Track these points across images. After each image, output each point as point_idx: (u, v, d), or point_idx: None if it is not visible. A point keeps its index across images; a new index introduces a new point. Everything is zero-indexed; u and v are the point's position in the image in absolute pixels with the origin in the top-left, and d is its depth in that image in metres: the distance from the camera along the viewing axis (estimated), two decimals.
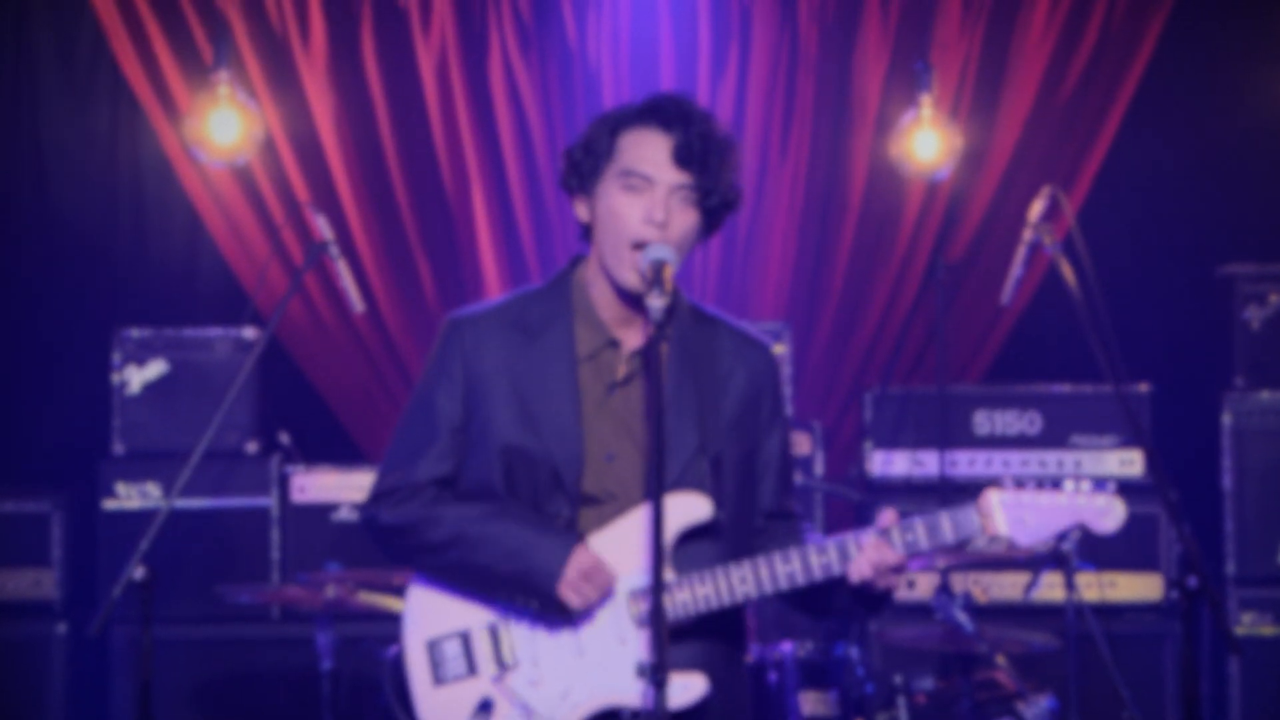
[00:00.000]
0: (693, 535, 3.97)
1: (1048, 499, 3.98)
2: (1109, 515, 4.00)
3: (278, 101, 8.12)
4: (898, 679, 6.69)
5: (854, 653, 6.70)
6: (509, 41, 8.21)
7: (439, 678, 4.08)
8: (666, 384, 3.86)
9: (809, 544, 3.95)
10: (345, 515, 7.48)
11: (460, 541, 4.01)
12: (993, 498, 3.97)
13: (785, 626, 6.94)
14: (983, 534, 3.93)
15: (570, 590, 3.95)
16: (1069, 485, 3.98)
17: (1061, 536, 4.31)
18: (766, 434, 4.12)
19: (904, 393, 7.76)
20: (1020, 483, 3.98)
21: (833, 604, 4.04)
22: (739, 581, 3.95)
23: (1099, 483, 4.01)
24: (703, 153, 3.96)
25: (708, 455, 4.00)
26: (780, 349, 7.67)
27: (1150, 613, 7.50)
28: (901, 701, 6.63)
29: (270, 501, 7.49)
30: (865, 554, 3.91)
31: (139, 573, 5.76)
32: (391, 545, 4.13)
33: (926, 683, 6.70)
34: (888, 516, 3.94)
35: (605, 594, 3.97)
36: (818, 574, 3.93)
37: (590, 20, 8.23)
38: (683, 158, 3.96)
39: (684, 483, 3.97)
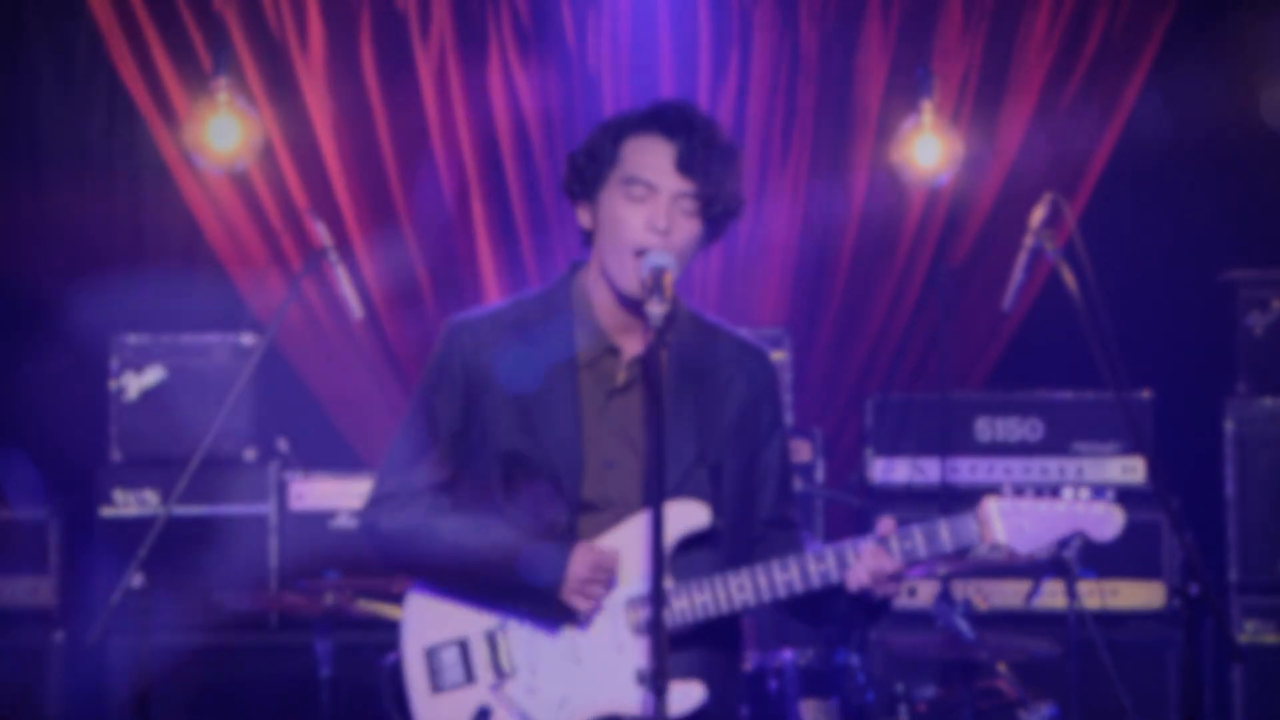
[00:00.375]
0: (691, 543, 3.96)
1: (1046, 507, 3.97)
2: (1107, 523, 3.99)
3: (276, 108, 8.10)
4: (899, 687, 6.68)
5: (855, 660, 6.68)
6: (508, 46, 8.19)
7: (437, 685, 4.07)
8: (666, 391, 3.84)
9: (807, 552, 3.94)
10: (344, 522, 7.46)
11: (461, 552, 4.00)
12: (991, 506, 3.96)
13: (785, 634, 6.92)
14: (981, 542, 3.93)
15: (575, 596, 3.94)
16: (1067, 493, 3.98)
17: (1061, 545, 4.30)
18: (765, 442, 4.11)
19: (905, 399, 7.75)
20: (1019, 490, 3.98)
21: (831, 612, 4.03)
22: (737, 590, 3.94)
23: (1097, 490, 4.01)
24: (705, 160, 3.96)
25: (707, 463, 4.00)
26: (781, 356, 7.65)
27: (1152, 620, 7.47)
28: (903, 709, 6.61)
29: (268, 508, 7.47)
30: (863, 562, 3.90)
31: (137, 580, 5.75)
32: (389, 553, 4.12)
33: (928, 691, 6.68)
34: (885, 525, 3.93)
35: (611, 585, 3.96)
36: (816, 582, 3.92)
37: (590, 25, 8.21)
38: (686, 165, 3.95)
39: (683, 491, 3.96)
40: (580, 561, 3.93)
